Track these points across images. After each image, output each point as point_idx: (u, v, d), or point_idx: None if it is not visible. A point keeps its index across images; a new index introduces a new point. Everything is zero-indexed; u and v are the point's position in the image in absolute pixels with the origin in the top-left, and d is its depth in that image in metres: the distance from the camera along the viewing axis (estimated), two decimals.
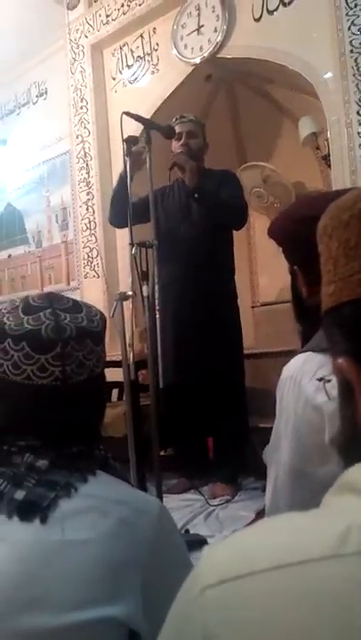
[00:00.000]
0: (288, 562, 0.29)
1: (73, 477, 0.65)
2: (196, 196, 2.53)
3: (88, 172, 3.62)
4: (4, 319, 0.69)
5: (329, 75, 2.60)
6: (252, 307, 3.72)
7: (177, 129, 2.53)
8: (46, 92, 3.98)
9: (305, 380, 0.82)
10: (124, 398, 2.11)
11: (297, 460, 0.83)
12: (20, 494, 0.62)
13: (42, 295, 0.73)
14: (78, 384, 0.69)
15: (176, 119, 2.62)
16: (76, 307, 0.72)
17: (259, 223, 3.61)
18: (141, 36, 3.39)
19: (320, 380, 0.75)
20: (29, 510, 0.61)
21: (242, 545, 0.34)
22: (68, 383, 0.68)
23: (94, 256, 3.59)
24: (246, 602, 0.30)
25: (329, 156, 2.72)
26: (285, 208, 1.00)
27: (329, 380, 0.74)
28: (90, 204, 3.62)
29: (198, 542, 1.90)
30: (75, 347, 0.68)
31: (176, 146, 2.62)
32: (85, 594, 0.60)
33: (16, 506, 0.62)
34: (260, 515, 2.16)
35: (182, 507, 2.38)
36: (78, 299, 0.79)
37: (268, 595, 0.29)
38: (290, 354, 0.92)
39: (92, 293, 3.50)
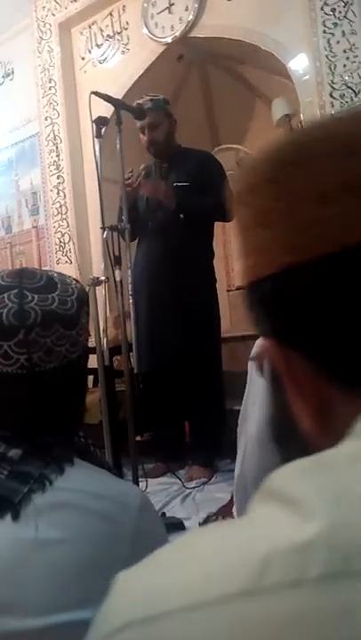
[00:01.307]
0: (202, 600, 0.25)
1: (48, 469, 0.61)
2: (181, 216, 2.48)
3: (58, 155, 3.54)
4: None
5: (302, 55, 2.59)
6: (228, 290, 3.72)
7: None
8: (13, 73, 3.86)
9: None
10: (99, 384, 2.09)
11: (264, 430, 0.84)
12: None
13: (13, 272, 0.67)
14: (48, 372, 0.64)
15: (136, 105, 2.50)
16: (49, 285, 0.66)
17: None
18: (111, 14, 3.31)
19: None
20: (0, 506, 0.58)
21: (152, 577, 0.28)
22: (35, 371, 0.63)
23: (66, 241, 3.53)
24: None
25: None
26: None
27: None
28: (60, 187, 3.55)
29: (175, 525, 1.91)
30: (40, 333, 0.63)
31: (143, 139, 2.57)
32: (61, 596, 0.56)
33: None
34: None
35: (159, 490, 2.39)
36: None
37: None
38: None
39: None
